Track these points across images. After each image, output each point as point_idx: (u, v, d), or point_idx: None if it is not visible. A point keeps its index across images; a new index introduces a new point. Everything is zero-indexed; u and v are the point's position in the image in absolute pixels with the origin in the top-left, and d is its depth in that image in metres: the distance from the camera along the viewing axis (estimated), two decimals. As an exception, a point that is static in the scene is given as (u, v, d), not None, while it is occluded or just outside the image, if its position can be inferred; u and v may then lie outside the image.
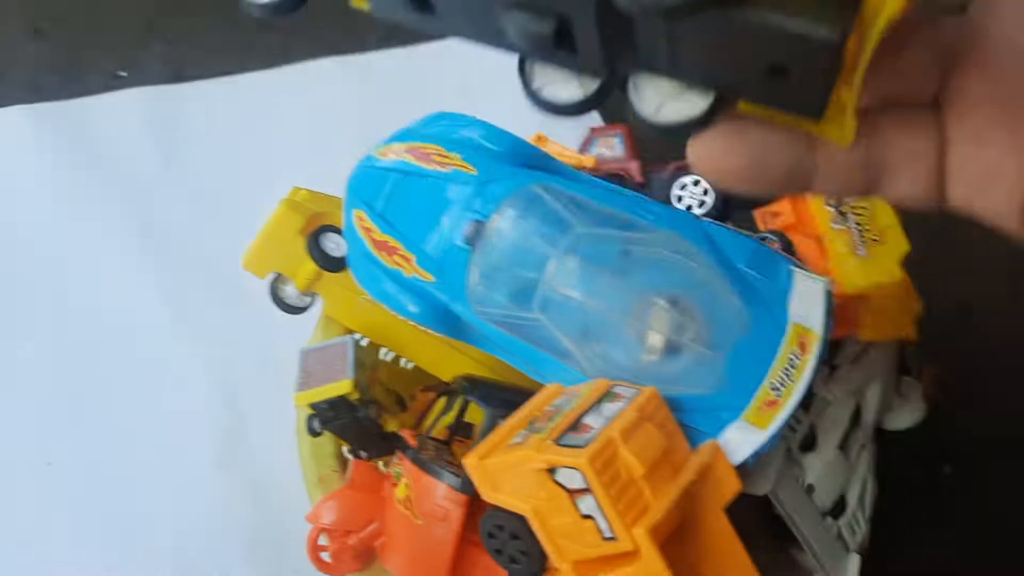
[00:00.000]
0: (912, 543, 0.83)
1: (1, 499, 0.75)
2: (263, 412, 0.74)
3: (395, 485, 0.56)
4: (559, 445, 0.44)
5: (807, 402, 0.60)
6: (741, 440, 0.48)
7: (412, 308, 0.54)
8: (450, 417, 0.62)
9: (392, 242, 0.54)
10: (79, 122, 0.95)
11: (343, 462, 0.63)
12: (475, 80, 0.90)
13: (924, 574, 0.82)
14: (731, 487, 0.47)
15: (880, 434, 0.69)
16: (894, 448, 0.84)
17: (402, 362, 0.69)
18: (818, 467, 0.58)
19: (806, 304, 0.48)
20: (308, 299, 0.64)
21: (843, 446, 0.61)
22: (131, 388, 0.80)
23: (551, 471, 0.44)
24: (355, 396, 0.59)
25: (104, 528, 0.73)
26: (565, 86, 0.25)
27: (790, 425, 0.57)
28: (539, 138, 0.69)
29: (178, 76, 0.99)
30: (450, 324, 0.55)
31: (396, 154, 0.55)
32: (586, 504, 0.43)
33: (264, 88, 1.00)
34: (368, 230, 0.55)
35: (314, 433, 0.60)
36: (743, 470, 0.55)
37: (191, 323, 0.83)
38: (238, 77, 0.99)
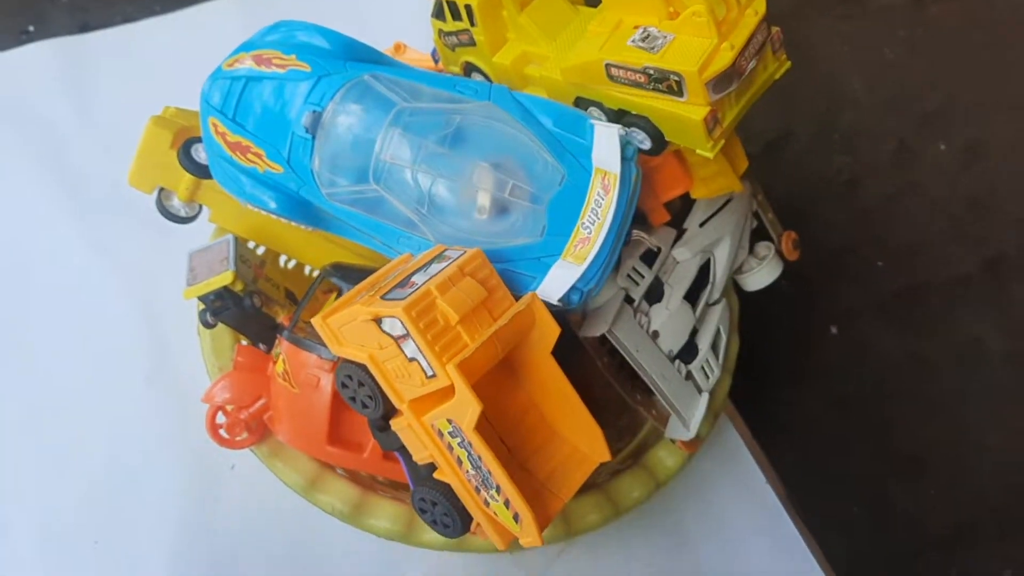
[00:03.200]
0: (797, 391, 0.90)
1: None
2: (185, 330, 0.79)
3: (275, 363, 0.62)
4: (384, 300, 0.50)
5: (650, 258, 0.66)
6: (561, 276, 0.54)
7: (271, 203, 0.59)
8: (333, 299, 0.68)
9: (244, 142, 0.59)
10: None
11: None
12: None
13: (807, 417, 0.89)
14: (552, 331, 0.53)
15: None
16: (786, 307, 0.92)
17: (291, 264, 0.75)
18: (663, 315, 0.64)
19: (605, 150, 0.54)
20: (195, 208, 0.69)
21: (693, 300, 0.67)
22: (61, 322, 0.85)
23: (378, 322, 0.50)
24: (238, 287, 0.65)
25: (38, 447, 0.80)
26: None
27: (632, 278, 0.63)
28: (397, 47, 0.73)
29: (84, 27, 1.04)
30: (307, 213, 0.60)
31: (242, 63, 0.60)
32: (409, 348, 0.49)
33: (168, 31, 1.04)
34: (223, 134, 0.60)
35: (207, 325, 0.66)
36: (580, 314, 0.62)
37: (113, 257, 0.89)
38: (140, 23, 1.04)
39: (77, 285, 0.87)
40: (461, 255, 0.53)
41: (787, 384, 0.90)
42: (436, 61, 0.72)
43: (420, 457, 0.53)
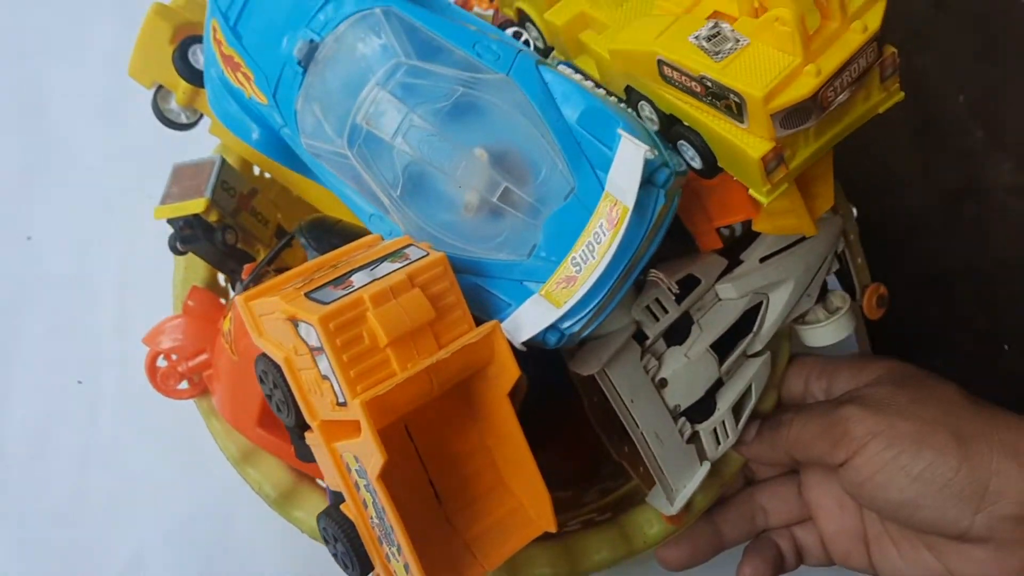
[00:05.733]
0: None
1: None
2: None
3: (224, 318, 0.55)
4: (309, 298, 0.41)
5: (681, 292, 0.54)
6: (533, 314, 0.44)
7: (254, 134, 0.51)
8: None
9: (237, 57, 0.50)
10: None
11: (215, 290, 0.62)
12: None
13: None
14: (511, 373, 0.43)
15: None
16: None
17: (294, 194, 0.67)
18: (679, 362, 0.53)
19: (623, 172, 0.42)
20: (195, 114, 0.61)
21: (727, 348, 0.56)
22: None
23: (295, 324, 0.41)
24: (212, 217, 0.57)
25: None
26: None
27: (652, 311, 0.52)
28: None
29: None
30: (291, 157, 0.51)
31: None
32: (324, 364, 0.40)
33: None
34: (220, 43, 0.51)
35: (176, 252, 0.59)
36: (571, 349, 0.51)
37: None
38: None
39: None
40: (421, 258, 0.43)
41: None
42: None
43: (331, 483, 0.45)
